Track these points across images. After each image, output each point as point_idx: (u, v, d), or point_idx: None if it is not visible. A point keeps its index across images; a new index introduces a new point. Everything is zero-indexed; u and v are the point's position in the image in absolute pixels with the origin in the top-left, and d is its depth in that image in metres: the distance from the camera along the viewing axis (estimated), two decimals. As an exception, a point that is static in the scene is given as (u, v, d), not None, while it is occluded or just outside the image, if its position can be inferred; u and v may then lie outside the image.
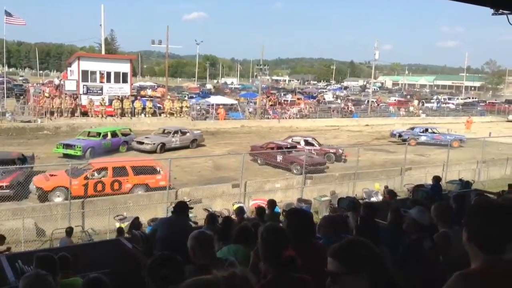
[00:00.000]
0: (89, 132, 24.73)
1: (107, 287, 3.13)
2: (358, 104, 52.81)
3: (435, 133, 31.69)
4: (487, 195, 7.42)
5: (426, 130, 32.25)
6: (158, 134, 26.53)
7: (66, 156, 21.79)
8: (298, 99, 53.28)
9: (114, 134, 24.60)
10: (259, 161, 22.87)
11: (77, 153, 21.65)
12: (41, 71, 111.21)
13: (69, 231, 10.85)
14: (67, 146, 22.13)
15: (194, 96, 52.82)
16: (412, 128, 33.01)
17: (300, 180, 18.15)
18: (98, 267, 5.23)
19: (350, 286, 1.93)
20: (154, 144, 24.61)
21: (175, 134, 26.05)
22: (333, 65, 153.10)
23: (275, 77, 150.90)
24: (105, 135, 24.02)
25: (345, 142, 31.93)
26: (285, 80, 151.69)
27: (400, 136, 31.55)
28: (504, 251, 2.02)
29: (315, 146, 24.51)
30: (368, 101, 52.60)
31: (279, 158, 21.67)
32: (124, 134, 25.52)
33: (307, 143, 24.69)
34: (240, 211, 10.34)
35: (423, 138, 30.98)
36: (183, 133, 26.63)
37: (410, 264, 3.66)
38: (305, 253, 3.27)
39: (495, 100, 72.21)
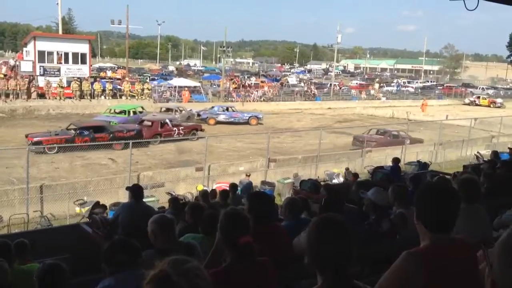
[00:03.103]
0: (110, 110, 26.71)
1: (63, 273, 3.08)
2: (321, 87, 53.34)
3: (234, 111, 31.40)
4: (442, 176, 7.69)
5: (227, 109, 31.74)
6: (161, 112, 28.26)
7: None
8: (261, 82, 53.27)
9: (134, 112, 26.47)
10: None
11: None
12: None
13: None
14: None
15: (156, 78, 51.92)
16: (212, 107, 32.36)
17: (264, 163, 18.27)
18: (58, 253, 5.15)
19: None
20: None
21: (176, 112, 27.85)
22: (296, 48, 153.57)
23: (238, 60, 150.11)
24: (129, 112, 25.87)
25: (308, 125, 32.22)
26: (248, 63, 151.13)
27: (199, 115, 30.58)
28: (449, 230, 2.12)
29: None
30: (330, 84, 53.19)
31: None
32: (140, 112, 27.12)
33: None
34: (204, 194, 10.34)
35: (221, 117, 30.25)
36: (181, 111, 28.60)
37: (368, 245, 3.76)
38: (266, 235, 3.32)
39: (447, 83, 74.49)
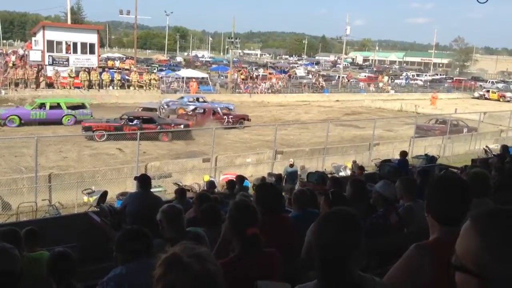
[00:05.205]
0: (41, 103, 24.00)
1: (72, 261, 3.11)
2: (329, 79, 53.11)
3: (205, 102, 30.50)
4: (451, 170, 7.66)
5: (197, 99, 31.06)
6: (139, 111, 25.39)
7: None
8: (269, 73, 53.12)
9: (55, 106, 23.64)
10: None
11: None
12: (4, 41, 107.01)
13: None
14: None
15: (164, 68, 51.88)
16: (182, 97, 31.69)
17: (271, 154, 18.26)
18: (66, 241, 5.19)
19: None
20: None
21: (158, 111, 26.03)
22: (304, 40, 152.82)
23: (246, 51, 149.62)
24: (42, 106, 23.27)
25: (316, 117, 32.16)
26: (256, 54, 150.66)
27: (168, 106, 29.60)
28: (459, 223, 2.11)
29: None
30: (338, 76, 52.92)
31: None
32: (73, 107, 24.10)
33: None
34: (211, 185, 10.40)
35: (191, 108, 28.49)
36: (162, 109, 26.83)
37: (376, 238, 3.76)
38: (273, 226, 3.32)
39: (456, 76, 73.83)
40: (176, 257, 1.41)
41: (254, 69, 60.46)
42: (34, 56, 33.02)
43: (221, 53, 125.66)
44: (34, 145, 13.30)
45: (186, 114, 26.24)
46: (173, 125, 21.87)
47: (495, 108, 36.67)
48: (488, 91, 53.42)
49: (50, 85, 32.05)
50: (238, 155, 18.50)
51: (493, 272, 1.08)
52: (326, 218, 1.89)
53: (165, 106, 28.45)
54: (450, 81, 65.60)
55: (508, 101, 48.58)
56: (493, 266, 1.08)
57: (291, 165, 15.14)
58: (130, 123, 20.66)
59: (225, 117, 25.21)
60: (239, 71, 48.80)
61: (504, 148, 10.15)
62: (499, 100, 49.24)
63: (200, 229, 3.96)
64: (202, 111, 25.57)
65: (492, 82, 66.90)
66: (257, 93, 40.93)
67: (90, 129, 20.03)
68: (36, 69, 31.71)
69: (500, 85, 63.58)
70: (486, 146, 19.44)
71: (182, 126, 21.82)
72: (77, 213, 10.46)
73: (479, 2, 6.88)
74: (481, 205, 3.27)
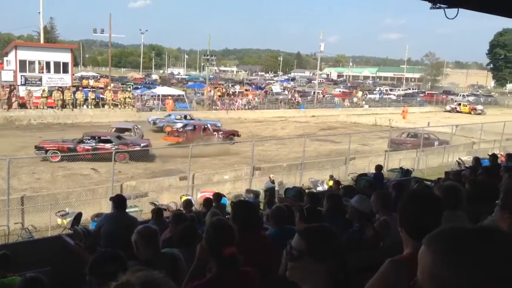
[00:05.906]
0: None
1: (44, 286, 3.03)
2: (305, 95, 53.69)
3: (193, 119, 30.29)
4: (425, 183, 7.77)
5: (185, 117, 30.89)
6: (111, 132, 24.23)
7: None
8: (246, 90, 53.40)
9: None
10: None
11: None
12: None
13: None
14: None
15: (139, 86, 51.58)
16: (169, 115, 31.58)
17: (249, 171, 18.24)
18: (39, 265, 5.06)
19: (309, 268, 1.82)
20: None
21: (132, 131, 24.75)
22: (280, 56, 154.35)
23: (222, 68, 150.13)
24: None
25: (292, 132, 32.34)
26: (232, 71, 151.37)
27: (154, 123, 30.05)
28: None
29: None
30: (314, 92, 53.53)
31: None
32: None
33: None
34: (188, 204, 10.28)
35: (179, 125, 28.31)
36: (136, 129, 25.26)
37: (352, 252, 3.77)
38: (251, 244, 3.30)
39: (428, 90, 75.44)
40: (128, 285, 1.32)
41: (230, 85, 60.70)
42: (6, 76, 32.46)
43: (197, 70, 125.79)
44: (6, 166, 12.98)
45: (176, 131, 26.10)
46: (131, 145, 20.96)
47: (466, 120, 37.53)
48: (459, 104, 54.67)
49: (22, 106, 31.53)
50: (215, 172, 18.41)
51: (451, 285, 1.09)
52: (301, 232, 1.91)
53: (152, 124, 28.90)
54: (422, 95, 66.96)
55: (479, 114, 49.77)
56: (450, 280, 1.09)
57: (272, 182, 15.20)
58: (85, 143, 20.15)
59: (215, 133, 25.49)
60: (216, 87, 48.91)
61: (477, 160, 10.36)
62: (470, 113, 50.39)
63: (176, 250, 3.90)
64: (192, 127, 25.80)
65: (463, 95, 68.55)
66: (234, 109, 41.03)
67: (43, 149, 19.40)
68: (8, 89, 31.16)
69: (471, 98, 65.18)
70: (459, 159, 19.81)
71: (140, 145, 20.90)
72: (51, 236, 10.18)
73: (448, 18, 7.06)
74: (453, 218, 3.33)
